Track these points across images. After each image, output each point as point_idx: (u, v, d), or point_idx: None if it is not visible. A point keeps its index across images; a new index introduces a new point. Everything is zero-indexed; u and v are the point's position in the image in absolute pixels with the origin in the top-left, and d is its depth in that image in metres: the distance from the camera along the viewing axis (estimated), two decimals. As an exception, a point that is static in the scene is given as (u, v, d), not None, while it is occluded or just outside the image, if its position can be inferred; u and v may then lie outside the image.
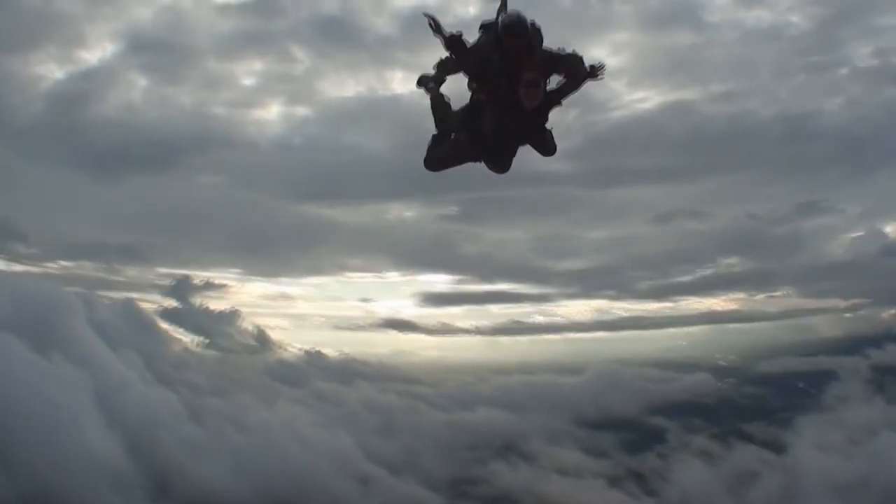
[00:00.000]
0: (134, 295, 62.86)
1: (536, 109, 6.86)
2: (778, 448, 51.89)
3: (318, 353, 70.52)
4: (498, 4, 7.46)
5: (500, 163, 7.37)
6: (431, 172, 7.63)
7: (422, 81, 7.94)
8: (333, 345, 74.67)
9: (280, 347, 70.97)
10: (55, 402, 37.78)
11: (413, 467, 52.06)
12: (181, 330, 63.50)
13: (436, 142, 7.66)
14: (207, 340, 64.57)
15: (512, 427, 60.80)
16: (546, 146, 7.20)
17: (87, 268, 66.17)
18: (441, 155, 7.58)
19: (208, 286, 72.34)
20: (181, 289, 66.73)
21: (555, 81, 6.89)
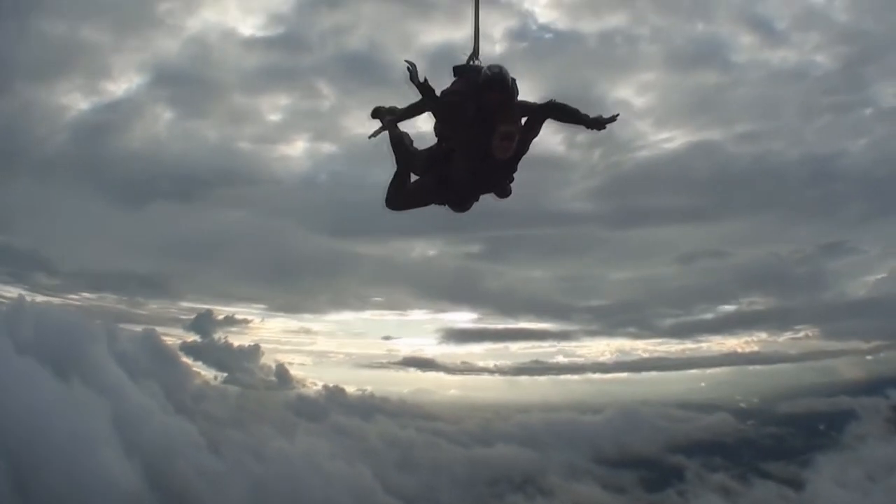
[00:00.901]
0: (157, 328, 63.01)
1: (506, 160, 6.93)
2: (797, 485, 51.66)
3: (339, 389, 70.42)
4: (471, 52, 7.69)
5: (464, 206, 7.35)
6: (395, 211, 7.50)
7: (378, 113, 7.83)
8: (354, 382, 74.57)
9: (300, 384, 71.05)
10: (74, 426, 38.21)
11: (431, 501, 52.06)
12: (201, 364, 63.76)
13: (397, 180, 7.55)
14: (226, 375, 64.79)
15: (531, 463, 60.57)
16: (504, 191, 7.23)
17: (109, 300, 66.69)
18: (405, 196, 7.50)
19: (230, 321, 72.58)
20: (203, 323, 67.16)
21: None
